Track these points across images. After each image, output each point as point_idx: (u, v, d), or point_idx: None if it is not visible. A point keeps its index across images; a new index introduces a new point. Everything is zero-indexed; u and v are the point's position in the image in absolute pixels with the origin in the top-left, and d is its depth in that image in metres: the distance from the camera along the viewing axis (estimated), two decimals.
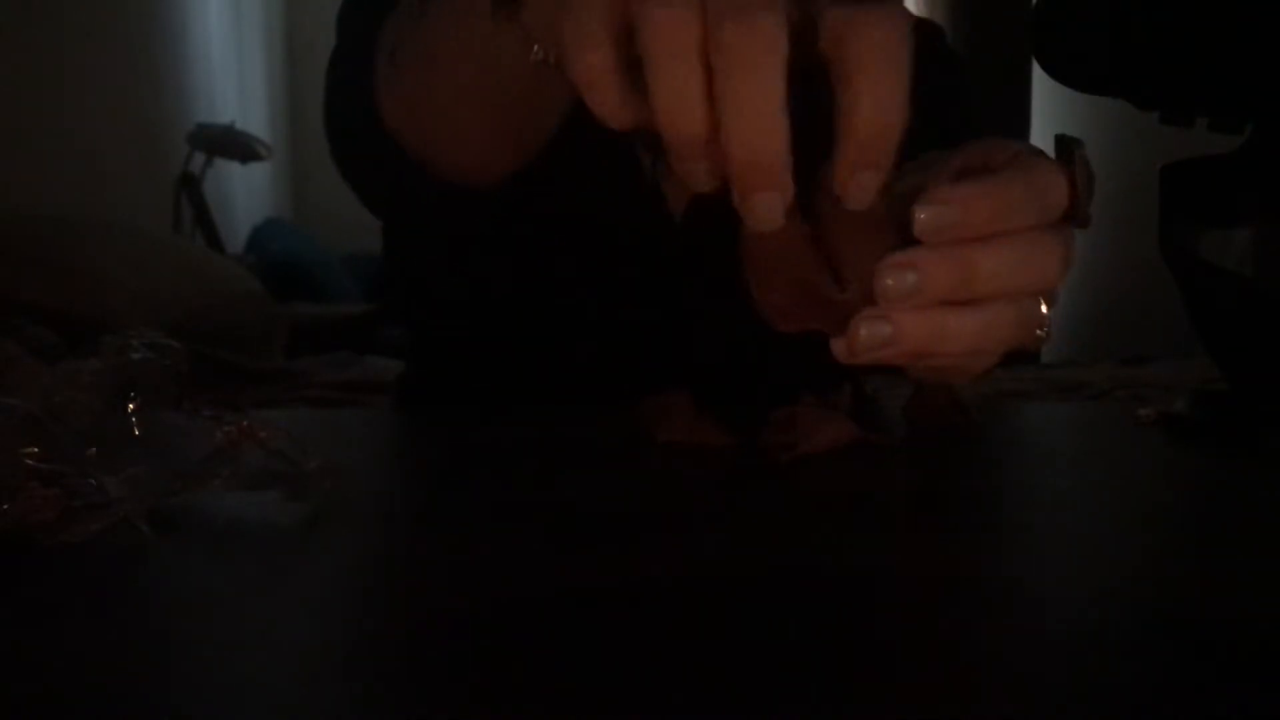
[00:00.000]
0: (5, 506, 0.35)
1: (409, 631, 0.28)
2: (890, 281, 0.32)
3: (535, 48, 0.44)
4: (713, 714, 0.23)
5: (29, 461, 0.36)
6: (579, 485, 0.46)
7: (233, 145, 2.81)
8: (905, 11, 0.31)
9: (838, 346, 0.34)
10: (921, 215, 0.32)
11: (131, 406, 0.41)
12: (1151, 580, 0.34)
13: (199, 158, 2.78)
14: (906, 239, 0.33)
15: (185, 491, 0.40)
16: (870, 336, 0.33)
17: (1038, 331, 0.37)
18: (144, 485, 0.38)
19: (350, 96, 0.63)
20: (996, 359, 0.38)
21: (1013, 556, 0.37)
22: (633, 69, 0.33)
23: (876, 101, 0.31)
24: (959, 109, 0.82)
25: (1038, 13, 0.62)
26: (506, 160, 0.61)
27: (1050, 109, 3.22)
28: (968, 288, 0.33)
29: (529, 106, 0.55)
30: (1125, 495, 0.47)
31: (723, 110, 0.30)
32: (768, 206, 0.31)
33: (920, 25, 0.86)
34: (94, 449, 0.38)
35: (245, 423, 0.41)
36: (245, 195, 3.49)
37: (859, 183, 0.32)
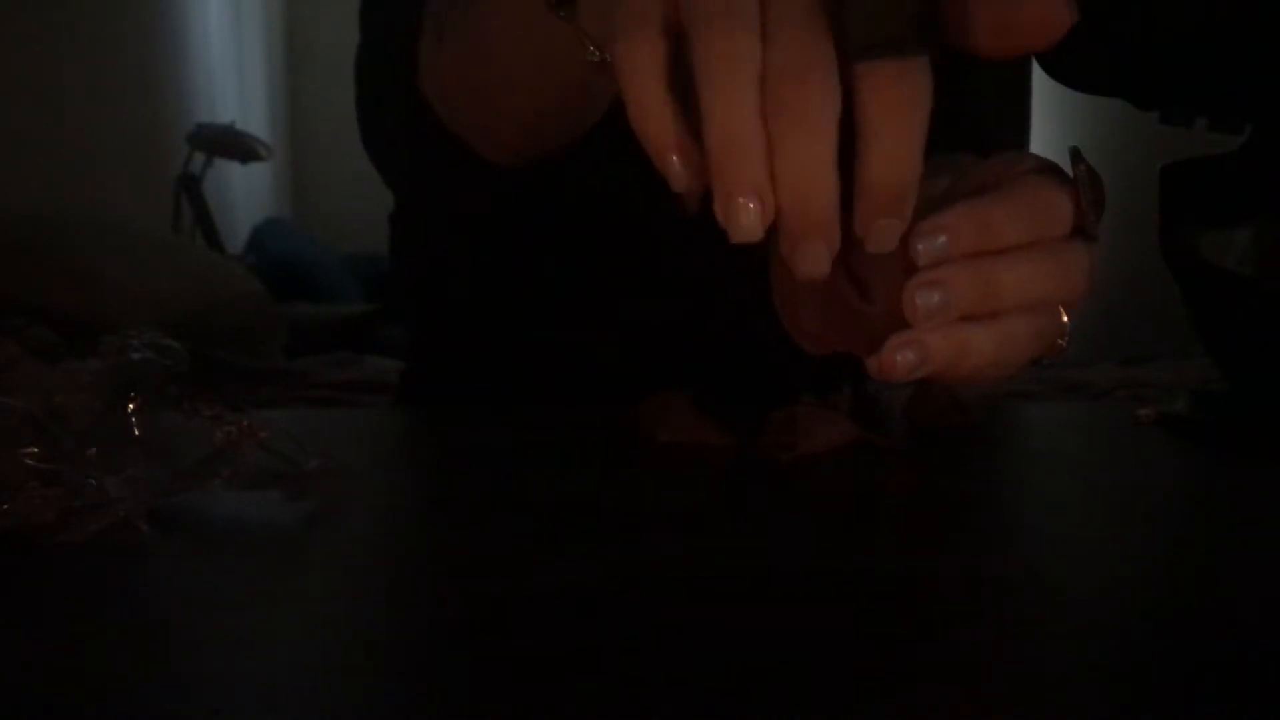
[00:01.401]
0: (5, 506, 0.36)
1: (409, 631, 0.28)
2: (919, 301, 0.34)
3: (590, 48, 0.43)
4: (712, 714, 0.23)
5: (29, 461, 0.36)
6: (579, 485, 0.46)
7: (233, 145, 2.82)
8: (924, 66, 0.31)
9: (871, 366, 0.35)
10: (920, 246, 0.34)
11: (131, 406, 0.41)
12: (1151, 580, 0.34)
13: (199, 158, 2.78)
14: None
15: (185, 491, 0.40)
16: (905, 362, 0.34)
17: (1059, 341, 0.38)
18: (144, 485, 0.38)
19: (387, 72, 0.62)
20: (1021, 369, 0.39)
21: (1013, 556, 0.37)
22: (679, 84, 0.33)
23: (890, 158, 0.32)
24: (957, 109, 0.82)
25: None
26: (547, 143, 0.59)
27: (1050, 109, 3.22)
28: (991, 302, 0.35)
29: (579, 98, 0.53)
30: (1125, 495, 0.47)
31: (777, 165, 0.31)
32: (816, 256, 0.32)
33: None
34: (94, 449, 0.38)
35: (245, 423, 0.41)
36: (245, 195, 3.49)
37: (879, 230, 0.33)
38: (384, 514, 0.43)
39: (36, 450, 0.37)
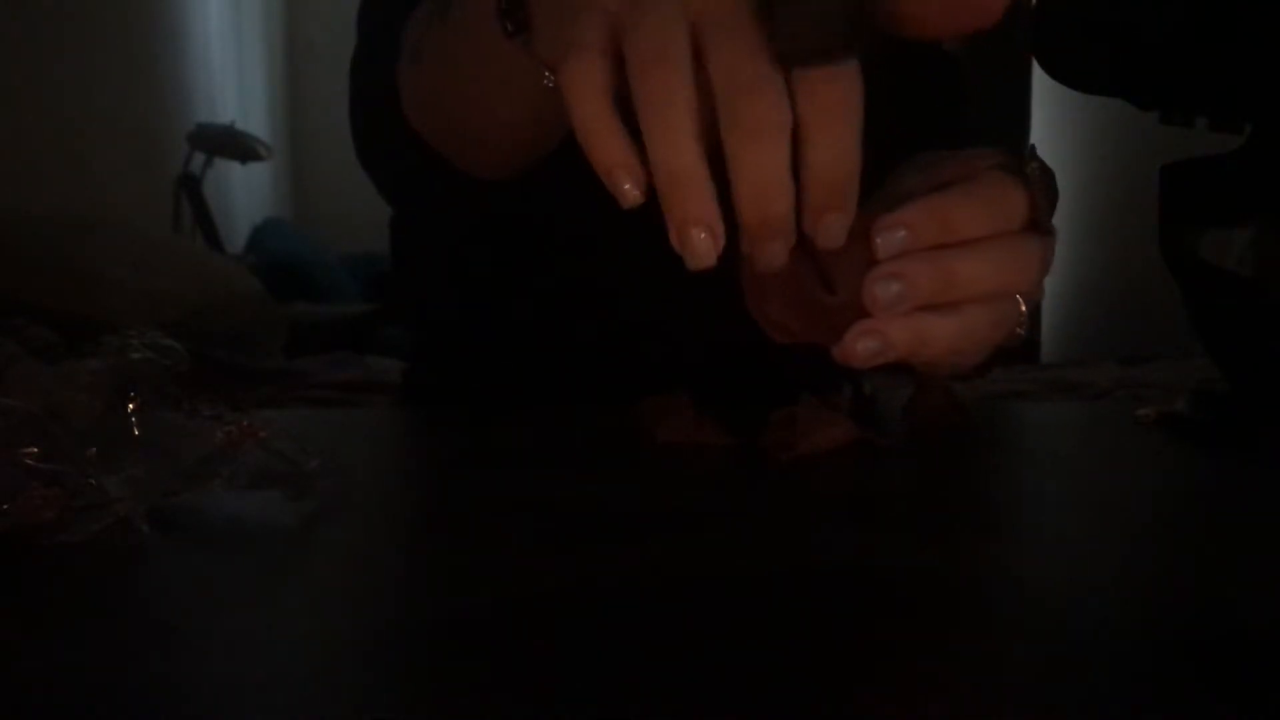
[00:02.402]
0: (5, 506, 0.35)
1: (409, 631, 0.28)
2: (878, 292, 0.36)
3: (546, 75, 0.45)
4: (712, 713, 0.23)
5: (29, 461, 0.36)
6: (579, 485, 0.46)
7: (233, 145, 2.82)
8: (854, 69, 0.33)
9: (835, 354, 0.37)
10: (879, 240, 0.36)
11: (131, 406, 0.41)
12: (1151, 580, 0.34)
13: (199, 158, 2.78)
14: None
15: (185, 491, 0.40)
16: (865, 349, 0.36)
17: (1017, 330, 0.40)
18: (144, 485, 0.38)
19: (373, 90, 0.63)
20: (983, 355, 0.41)
21: (1013, 556, 0.37)
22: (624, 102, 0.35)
23: (828, 157, 0.34)
24: (957, 109, 0.82)
25: (1038, 13, 0.62)
26: (523, 158, 0.61)
27: (1050, 109, 3.22)
28: (948, 292, 0.36)
29: (545, 115, 0.55)
30: (1125, 495, 0.47)
31: (738, 179, 0.33)
32: (775, 253, 0.35)
33: None
34: (94, 449, 0.38)
35: (245, 423, 0.41)
36: (245, 195, 3.49)
37: (826, 225, 0.35)
38: (384, 514, 0.43)
39: (36, 450, 0.37)
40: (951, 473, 0.51)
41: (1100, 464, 0.55)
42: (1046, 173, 0.39)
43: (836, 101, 0.33)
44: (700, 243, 0.34)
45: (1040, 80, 3.30)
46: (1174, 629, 0.29)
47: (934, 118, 0.41)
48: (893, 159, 0.42)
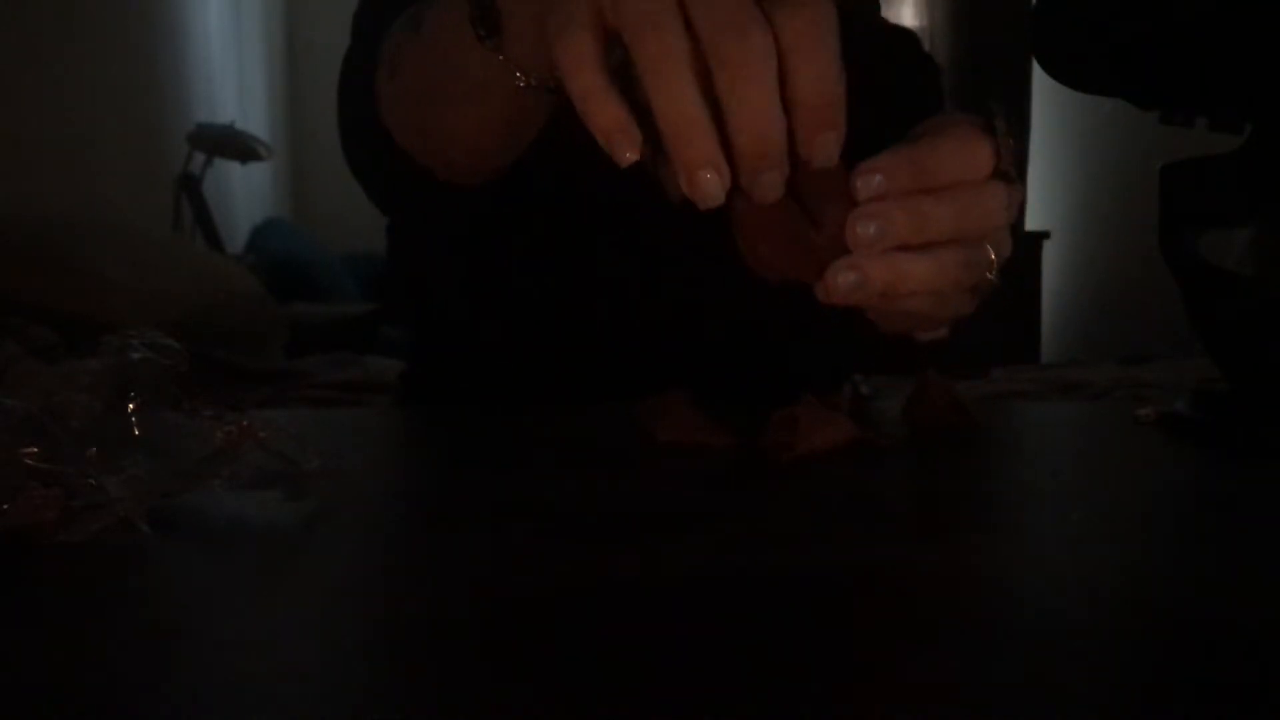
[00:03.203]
0: (5, 506, 0.35)
1: (409, 630, 0.28)
2: (859, 230, 0.39)
3: (518, 75, 0.48)
4: (712, 713, 0.23)
5: (29, 461, 0.36)
6: (579, 485, 0.46)
7: (233, 145, 2.81)
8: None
9: (818, 290, 0.40)
10: (859, 183, 0.39)
11: (131, 406, 0.41)
12: (1151, 580, 0.34)
13: (199, 158, 2.78)
14: None
15: (185, 491, 0.40)
16: (845, 282, 0.39)
17: (987, 274, 0.43)
18: (144, 485, 0.38)
19: (357, 101, 0.65)
20: (958, 306, 0.45)
21: (1013, 556, 0.37)
22: (621, 73, 0.38)
23: (813, 77, 0.37)
24: (935, 110, 0.82)
25: (1038, 13, 0.62)
26: (500, 159, 0.62)
27: (1050, 109, 3.23)
28: (922, 233, 0.39)
29: (521, 116, 0.57)
30: (1125, 495, 0.47)
31: (732, 113, 0.36)
32: (772, 183, 0.38)
33: (895, 31, 0.87)
34: (94, 449, 0.38)
35: (245, 423, 0.41)
36: (245, 195, 3.49)
37: (821, 144, 0.38)
38: (384, 514, 0.43)
39: (36, 450, 0.37)
40: (951, 473, 0.51)
41: (1100, 464, 0.55)
42: (1010, 127, 0.42)
43: (813, 25, 0.36)
44: (709, 183, 0.37)
45: (1040, 80, 3.30)
46: (1173, 629, 0.29)
47: (913, 118, 0.43)
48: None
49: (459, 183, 0.64)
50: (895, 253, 0.39)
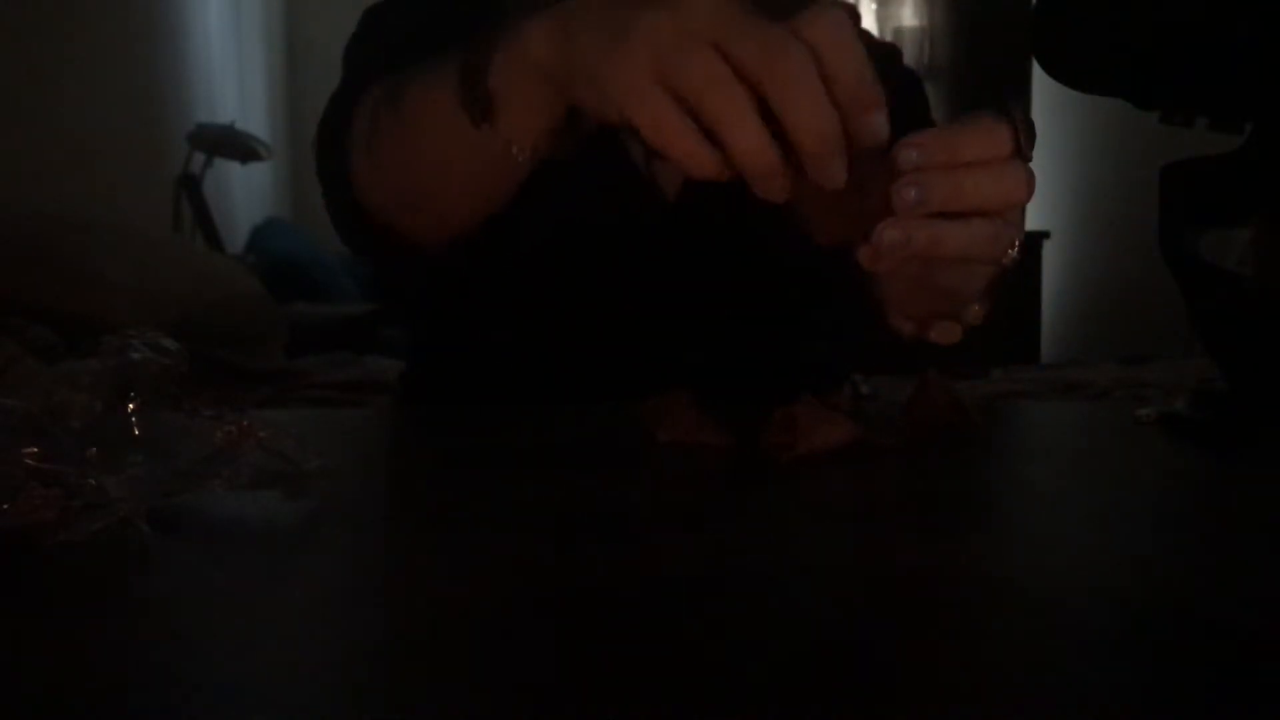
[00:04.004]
0: (5, 506, 0.35)
1: (409, 631, 0.28)
2: (901, 194, 0.43)
3: (515, 149, 0.54)
4: (711, 713, 0.23)
5: (29, 461, 0.36)
6: (579, 485, 0.46)
7: (233, 145, 2.81)
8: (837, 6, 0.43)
9: (864, 253, 0.45)
10: (899, 156, 0.44)
11: (131, 406, 0.41)
12: (1151, 580, 0.34)
13: (199, 158, 2.77)
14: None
15: (185, 491, 0.40)
16: (890, 239, 0.44)
17: (1010, 251, 0.48)
18: (144, 485, 0.38)
19: (331, 165, 0.68)
20: (985, 277, 0.51)
21: (1013, 556, 0.37)
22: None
23: (849, 68, 0.42)
24: (926, 122, 0.83)
25: (1038, 13, 0.62)
26: (487, 211, 0.65)
27: (1050, 109, 3.22)
28: (956, 201, 0.45)
29: (506, 177, 0.60)
30: (1125, 495, 0.47)
31: (793, 121, 0.42)
32: (837, 169, 0.43)
33: (881, 48, 0.87)
34: (94, 449, 0.38)
35: (245, 423, 0.41)
36: (245, 195, 3.49)
37: (869, 122, 0.43)
38: (384, 514, 0.43)
39: (36, 450, 0.37)
40: (951, 473, 0.51)
41: (1100, 464, 0.55)
42: (1026, 116, 0.47)
43: (835, 27, 0.42)
44: (784, 192, 0.44)
45: (1040, 80, 3.30)
46: (1173, 629, 0.29)
47: (906, 131, 0.47)
48: None
49: (435, 246, 0.67)
50: (933, 218, 0.44)
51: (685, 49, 0.42)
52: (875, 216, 0.45)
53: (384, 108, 0.62)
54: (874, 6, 3.64)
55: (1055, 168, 3.39)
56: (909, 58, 0.53)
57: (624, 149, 0.75)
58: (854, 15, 0.46)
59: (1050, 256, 3.38)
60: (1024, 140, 0.46)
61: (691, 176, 0.44)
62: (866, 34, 0.47)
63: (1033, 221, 3.41)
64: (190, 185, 2.74)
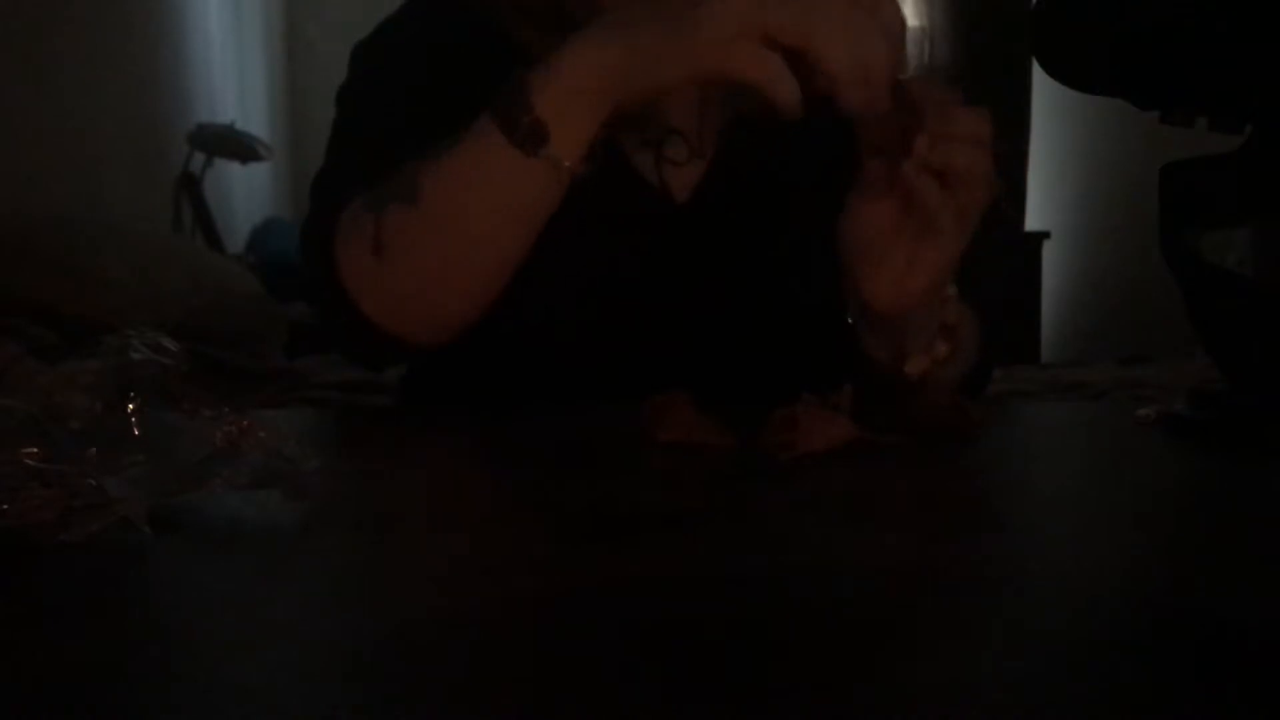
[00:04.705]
0: (5, 506, 0.35)
1: (409, 631, 0.28)
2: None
3: (566, 164, 0.61)
4: (712, 712, 0.23)
5: (29, 461, 0.36)
6: (579, 485, 0.46)
7: (233, 145, 2.81)
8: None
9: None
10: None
11: (131, 406, 0.41)
12: (1151, 580, 0.34)
13: (199, 158, 2.77)
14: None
15: (185, 491, 0.39)
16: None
17: (993, 184, 0.59)
18: (144, 485, 0.38)
19: (324, 282, 0.68)
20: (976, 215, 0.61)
21: (1013, 556, 0.37)
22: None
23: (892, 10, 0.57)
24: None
25: (1038, 13, 0.62)
26: (508, 277, 0.67)
27: (1050, 109, 3.22)
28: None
29: (545, 209, 0.64)
30: (1125, 495, 0.47)
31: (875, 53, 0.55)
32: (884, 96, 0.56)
33: None
34: (94, 449, 0.38)
35: (245, 423, 0.41)
36: (245, 195, 3.49)
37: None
38: (384, 514, 0.43)
39: (36, 450, 0.37)
40: (951, 473, 0.51)
41: (1100, 464, 0.55)
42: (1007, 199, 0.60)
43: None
44: (867, 103, 0.56)
45: (1040, 80, 3.30)
46: (1173, 629, 0.29)
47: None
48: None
49: (441, 339, 0.69)
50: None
51: (763, 4, 0.54)
52: (913, 129, 0.58)
53: (392, 207, 0.64)
54: None
55: (1055, 167, 3.39)
56: (909, 57, 0.61)
57: (626, 157, 0.76)
58: None
59: (1050, 256, 3.38)
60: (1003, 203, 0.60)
61: (787, 114, 0.55)
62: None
63: (1033, 221, 3.42)
64: (190, 185, 2.74)
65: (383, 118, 0.75)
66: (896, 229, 0.62)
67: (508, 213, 0.64)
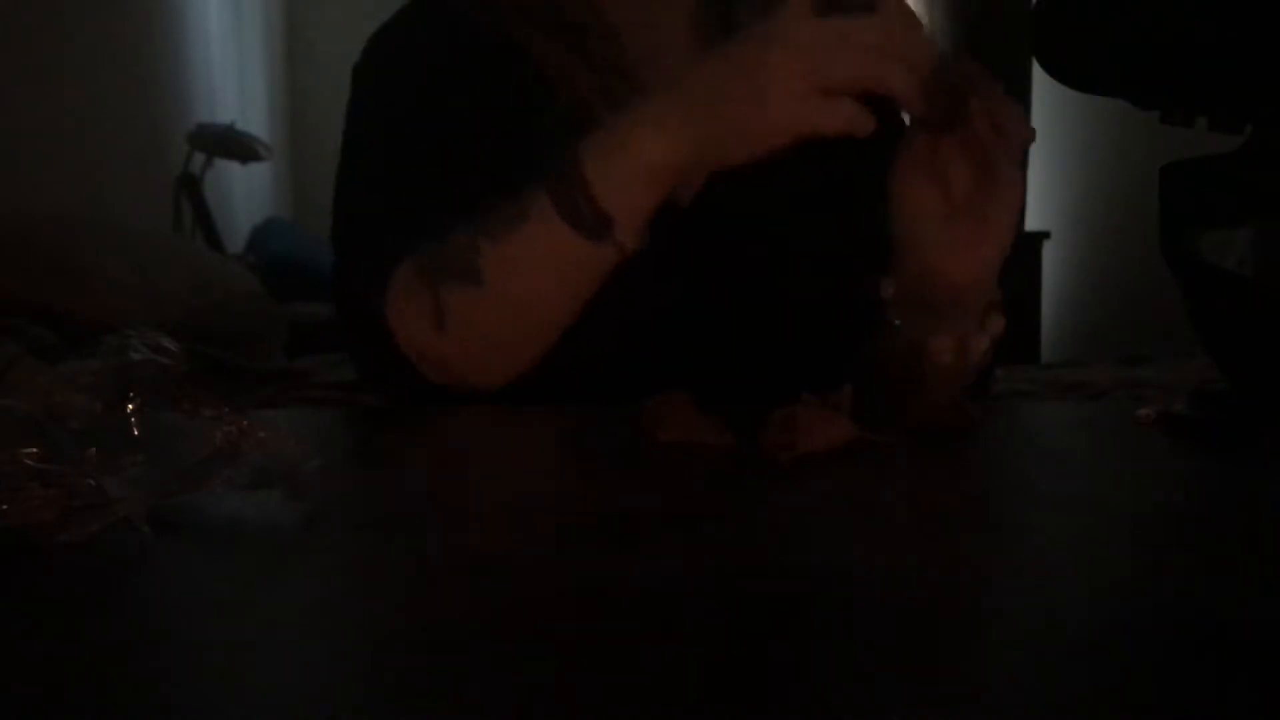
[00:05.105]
0: (5, 506, 0.35)
1: (409, 631, 0.28)
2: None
3: (624, 245, 0.63)
4: (712, 713, 0.23)
5: (29, 461, 0.36)
6: (579, 485, 0.46)
7: (233, 145, 2.81)
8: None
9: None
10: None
11: (131, 406, 0.41)
12: (1151, 580, 0.34)
13: (199, 158, 2.77)
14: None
15: (185, 491, 0.39)
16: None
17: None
18: (144, 485, 0.38)
19: (366, 331, 0.70)
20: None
21: (1013, 556, 0.37)
22: None
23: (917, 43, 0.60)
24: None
25: (1038, 13, 0.62)
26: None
27: (1050, 109, 3.22)
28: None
29: (609, 270, 0.66)
30: (1125, 495, 0.47)
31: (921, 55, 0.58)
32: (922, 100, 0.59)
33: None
34: (94, 449, 0.38)
35: (245, 423, 0.41)
36: (245, 195, 3.49)
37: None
38: (384, 514, 0.43)
39: (36, 450, 0.37)
40: (951, 473, 0.51)
41: (1100, 464, 0.55)
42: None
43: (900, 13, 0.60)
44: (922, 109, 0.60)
45: (1040, 80, 3.29)
46: (1173, 629, 0.29)
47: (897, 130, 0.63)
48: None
49: (495, 388, 0.70)
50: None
51: (820, 57, 0.56)
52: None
53: (452, 285, 0.66)
54: None
55: (1055, 168, 3.39)
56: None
57: None
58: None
59: (1050, 256, 3.38)
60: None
61: (859, 136, 0.57)
62: None
63: (1033, 221, 3.42)
64: (190, 185, 2.74)
65: (398, 151, 0.75)
66: (950, 201, 0.63)
67: (573, 289, 0.66)
